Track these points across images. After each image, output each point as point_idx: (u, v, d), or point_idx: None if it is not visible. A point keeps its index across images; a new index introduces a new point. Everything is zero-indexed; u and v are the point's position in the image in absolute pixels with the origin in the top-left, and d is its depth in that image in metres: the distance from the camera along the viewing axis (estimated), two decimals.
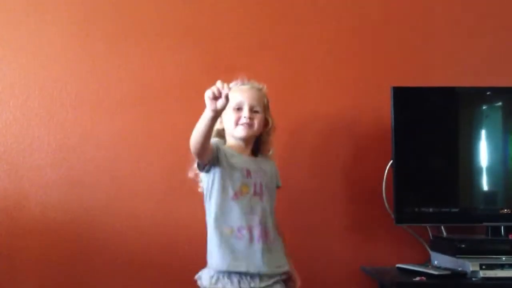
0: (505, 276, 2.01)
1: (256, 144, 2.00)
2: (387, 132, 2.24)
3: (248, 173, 1.90)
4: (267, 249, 1.86)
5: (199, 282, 1.88)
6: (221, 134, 1.98)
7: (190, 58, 2.37)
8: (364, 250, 2.35)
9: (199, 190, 1.96)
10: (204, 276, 1.87)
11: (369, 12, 2.46)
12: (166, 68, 2.36)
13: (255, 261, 1.83)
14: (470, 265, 2.03)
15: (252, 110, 1.93)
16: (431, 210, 2.20)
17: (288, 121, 2.36)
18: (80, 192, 2.28)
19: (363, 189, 2.37)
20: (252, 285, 1.82)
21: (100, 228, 2.27)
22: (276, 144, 2.21)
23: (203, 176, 1.92)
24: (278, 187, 2.03)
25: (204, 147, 1.77)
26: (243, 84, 1.99)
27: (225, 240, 1.84)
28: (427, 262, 2.27)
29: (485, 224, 2.23)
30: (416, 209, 2.20)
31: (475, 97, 2.31)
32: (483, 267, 2.02)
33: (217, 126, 1.95)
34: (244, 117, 1.91)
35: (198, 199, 1.95)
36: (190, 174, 1.95)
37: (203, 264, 1.90)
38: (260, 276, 1.84)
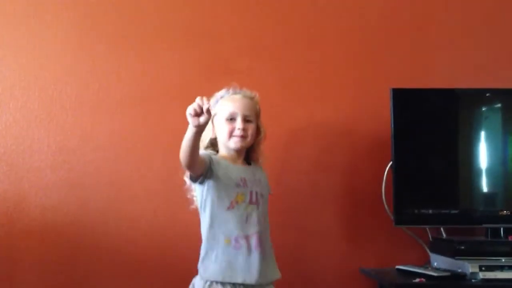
0: (505, 278, 2.01)
1: (247, 153, 1.99)
2: (386, 133, 2.24)
3: (244, 182, 1.89)
4: (263, 258, 1.85)
5: None
6: (214, 143, 1.97)
7: (189, 60, 2.37)
8: (363, 252, 2.36)
9: (192, 206, 1.95)
10: (197, 283, 1.86)
11: (369, 14, 2.46)
12: (165, 70, 2.36)
13: (253, 272, 1.82)
14: (469, 267, 2.03)
15: (245, 120, 1.91)
16: (430, 211, 2.20)
17: (288, 122, 2.37)
18: (80, 194, 2.28)
19: (363, 190, 2.37)
20: None
21: (99, 230, 2.27)
22: (276, 145, 2.23)
23: (196, 187, 1.90)
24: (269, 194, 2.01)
25: (193, 160, 1.75)
26: (235, 93, 1.96)
27: (222, 251, 1.83)
28: (426, 263, 2.27)
29: (484, 225, 2.24)
30: (416, 211, 2.20)
31: (474, 98, 2.31)
32: (483, 268, 2.03)
33: (210, 135, 1.94)
34: (238, 129, 1.89)
35: None
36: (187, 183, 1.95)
37: None
38: (254, 286, 1.82)
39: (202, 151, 1.90)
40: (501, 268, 2.04)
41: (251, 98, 1.96)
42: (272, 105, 2.31)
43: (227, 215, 1.85)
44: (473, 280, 2.02)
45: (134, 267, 2.26)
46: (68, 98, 2.32)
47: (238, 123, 1.90)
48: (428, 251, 2.29)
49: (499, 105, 2.32)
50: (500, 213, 2.23)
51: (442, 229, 2.31)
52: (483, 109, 2.33)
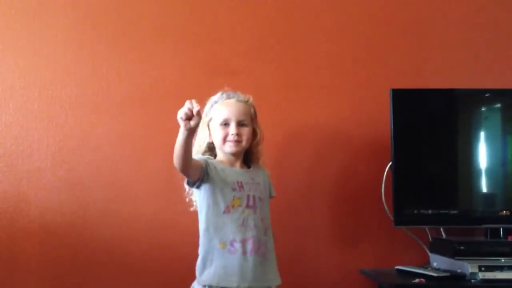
0: (504, 278, 2.01)
1: (247, 155, 1.99)
2: (386, 134, 2.24)
3: (240, 185, 1.89)
4: (260, 262, 1.84)
5: None
6: (211, 147, 1.97)
7: (189, 60, 2.37)
8: (363, 252, 2.36)
9: (192, 209, 1.96)
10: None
11: (369, 14, 2.46)
12: (165, 71, 2.36)
13: (247, 276, 1.81)
14: (469, 267, 2.03)
15: (239, 125, 1.91)
16: (430, 212, 2.20)
17: (287, 122, 2.37)
18: (80, 194, 2.28)
19: (363, 191, 2.37)
20: None
21: (99, 230, 2.27)
22: (275, 145, 2.22)
23: (195, 191, 1.91)
24: (271, 197, 2.01)
25: (187, 163, 1.76)
26: (228, 97, 1.96)
27: (217, 255, 1.83)
28: (426, 264, 2.27)
29: (484, 226, 2.24)
30: (415, 211, 2.20)
31: (474, 99, 2.31)
32: (482, 269, 2.02)
33: (207, 140, 1.95)
34: (232, 134, 1.90)
35: None
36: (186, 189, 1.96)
37: None
38: None
39: (198, 156, 1.91)
40: (501, 268, 2.04)
41: (245, 102, 1.96)
42: (271, 105, 2.32)
43: (223, 219, 1.85)
44: (472, 281, 2.01)
45: (134, 267, 2.26)
46: (68, 99, 2.32)
47: (232, 129, 1.90)
48: (427, 251, 2.29)
49: (498, 105, 2.32)
50: (500, 213, 2.23)
51: (441, 229, 2.31)
52: (483, 109, 2.33)
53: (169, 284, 2.25)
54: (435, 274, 2.05)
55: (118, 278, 2.26)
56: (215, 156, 1.97)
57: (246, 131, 1.93)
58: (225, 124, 1.91)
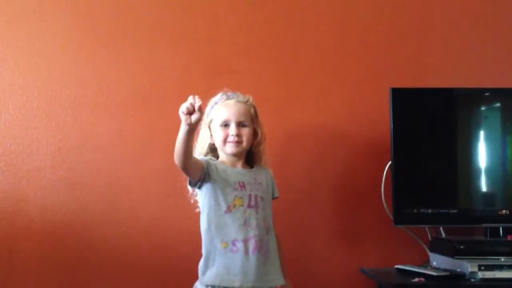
0: (504, 277, 2.01)
1: (249, 154, 1.99)
2: (386, 133, 2.24)
3: (242, 185, 1.89)
4: (262, 262, 1.84)
5: None
6: (213, 148, 1.98)
7: (189, 60, 2.37)
8: (363, 251, 2.36)
9: (197, 210, 1.96)
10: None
11: (368, 14, 2.47)
12: (165, 70, 2.36)
13: (249, 275, 1.81)
14: (468, 266, 2.03)
15: (239, 125, 1.92)
16: (430, 211, 2.20)
17: (287, 122, 2.37)
18: (79, 194, 2.29)
19: (362, 190, 2.37)
20: None
21: (99, 230, 2.27)
22: (275, 145, 2.22)
23: (197, 192, 1.92)
24: (274, 198, 2.01)
25: (187, 160, 1.76)
26: (228, 98, 1.97)
27: (219, 255, 1.83)
28: (426, 263, 2.27)
29: (484, 225, 2.24)
30: (415, 210, 2.20)
31: (473, 98, 2.31)
32: (482, 268, 2.02)
33: (209, 141, 1.96)
34: (232, 135, 1.90)
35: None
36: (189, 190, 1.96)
37: None
38: None
39: (200, 157, 1.92)
40: (500, 267, 2.04)
41: (245, 102, 1.97)
42: (271, 105, 2.32)
43: (225, 219, 1.85)
44: (472, 280, 2.01)
45: (134, 267, 2.26)
46: (68, 98, 2.32)
47: (232, 130, 1.91)
48: (427, 250, 2.30)
49: (498, 104, 2.32)
50: (500, 212, 2.23)
51: (441, 228, 2.31)
52: (482, 108, 2.33)
53: (169, 284, 2.25)
54: (434, 273, 2.05)
55: (118, 277, 2.26)
56: (217, 157, 1.98)
57: (246, 131, 1.93)
58: (225, 125, 1.92)
